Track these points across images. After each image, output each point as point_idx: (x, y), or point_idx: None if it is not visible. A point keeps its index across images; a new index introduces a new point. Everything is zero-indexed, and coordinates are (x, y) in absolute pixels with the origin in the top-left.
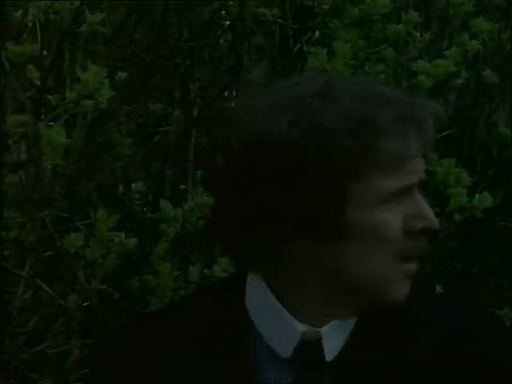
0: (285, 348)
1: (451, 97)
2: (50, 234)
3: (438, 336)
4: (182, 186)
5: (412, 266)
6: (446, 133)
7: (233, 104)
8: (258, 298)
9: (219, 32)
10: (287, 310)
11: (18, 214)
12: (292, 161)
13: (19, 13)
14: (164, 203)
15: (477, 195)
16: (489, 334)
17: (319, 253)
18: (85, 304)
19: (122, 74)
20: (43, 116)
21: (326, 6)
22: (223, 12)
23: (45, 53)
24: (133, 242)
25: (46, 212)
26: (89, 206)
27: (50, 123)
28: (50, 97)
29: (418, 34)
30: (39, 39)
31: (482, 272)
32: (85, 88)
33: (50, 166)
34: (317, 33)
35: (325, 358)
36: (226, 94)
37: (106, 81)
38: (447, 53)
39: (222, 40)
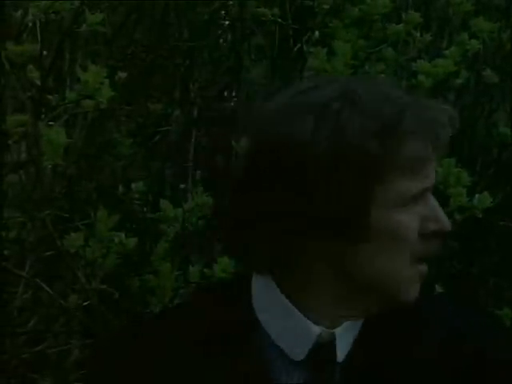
0: (298, 349)
1: (451, 97)
2: (50, 234)
3: (439, 336)
4: (182, 186)
5: (424, 268)
6: None
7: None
8: (267, 298)
9: (219, 32)
10: (299, 311)
11: (18, 214)
12: (316, 163)
13: (19, 13)
14: (164, 203)
15: (477, 195)
16: (489, 334)
17: (334, 253)
18: (85, 304)
19: (122, 74)
20: (43, 116)
21: (325, 6)
22: (223, 12)
23: (45, 53)
24: (133, 241)
25: (46, 212)
26: (89, 206)
27: (50, 123)
28: (50, 97)
29: (418, 34)
30: (39, 39)
31: (482, 272)
32: (85, 88)
33: (50, 166)
34: (317, 33)
35: (337, 358)
36: (225, 93)
37: (106, 81)
38: (447, 52)
39: (221, 40)
